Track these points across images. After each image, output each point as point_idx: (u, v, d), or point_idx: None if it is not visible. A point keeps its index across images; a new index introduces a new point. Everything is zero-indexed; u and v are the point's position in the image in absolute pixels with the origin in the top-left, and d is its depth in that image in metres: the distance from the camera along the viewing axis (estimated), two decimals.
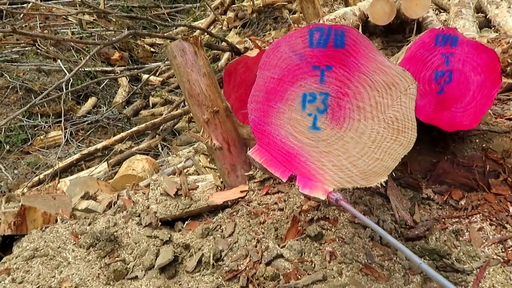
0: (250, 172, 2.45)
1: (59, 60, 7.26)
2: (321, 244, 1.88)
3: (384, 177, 1.35)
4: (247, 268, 1.79)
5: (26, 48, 7.53)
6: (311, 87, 1.33)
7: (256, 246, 1.91)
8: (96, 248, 2.08)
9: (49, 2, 9.68)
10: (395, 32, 5.28)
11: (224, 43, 6.64)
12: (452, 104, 1.84)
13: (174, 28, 9.66)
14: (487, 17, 4.70)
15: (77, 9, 8.35)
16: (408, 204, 2.06)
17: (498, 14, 4.37)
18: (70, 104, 6.51)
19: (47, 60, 7.37)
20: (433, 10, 5.68)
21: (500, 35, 2.98)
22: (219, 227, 2.12)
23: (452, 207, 2.03)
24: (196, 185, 2.40)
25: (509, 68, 2.53)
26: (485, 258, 1.71)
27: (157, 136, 5.64)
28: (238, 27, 8.37)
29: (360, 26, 4.71)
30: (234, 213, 2.21)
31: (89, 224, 2.27)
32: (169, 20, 10.12)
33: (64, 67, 6.94)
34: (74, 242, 2.13)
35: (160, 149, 5.26)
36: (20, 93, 6.30)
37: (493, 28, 4.45)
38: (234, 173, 2.44)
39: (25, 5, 8.89)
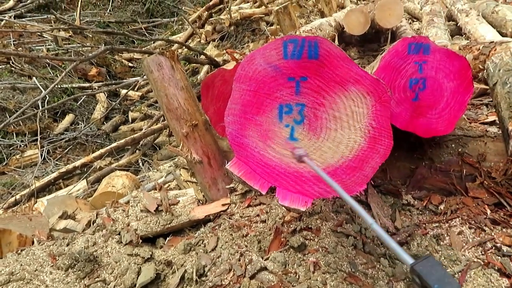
0: (232, 185, 2.43)
1: (34, 78, 7.13)
2: (304, 254, 1.87)
3: (363, 185, 1.36)
4: (231, 283, 1.77)
5: (0, 66, 7.37)
6: (287, 98, 1.34)
7: (239, 260, 1.88)
8: (75, 269, 2.01)
9: (23, 19, 9.53)
10: (371, 41, 5.40)
11: (202, 56, 6.65)
12: (427, 111, 1.88)
13: (152, 42, 9.64)
14: (458, 25, 4.84)
15: (52, 26, 8.25)
16: (389, 211, 2.08)
17: (468, 22, 4.52)
18: (46, 122, 6.38)
19: (22, 77, 7.23)
20: (406, 19, 5.83)
21: (471, 42, 3.07)
22: (201, 242, 2.09)
23: (432, 212, 2.05)
24: (177, 200, 2.37)
25: (480, 74, 2.60)
26: (466, 262, 1.72)
27: (137, 151, 5.57)
28: (216, 40, 8.41)
29: (336, 37, 4.79)
30: (217, 227, 2.19)
31: (67, 245, 2.20)
32: (146, 34, 10.11)
33: (40, 85, 6.82)
34: (52, 264, 2.06)
35: (140, 164, 5.20)
36: None
37: (464, 36, 4.59)
38: (215, 186, 2.42)
39: None
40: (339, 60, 1.28)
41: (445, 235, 1.90)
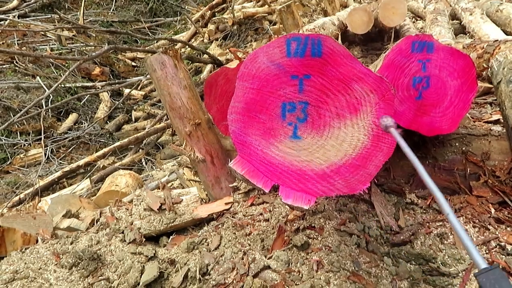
0: (235, 184, 2.43)
1: (38, 77, 7.16)
2: (307, 253, 1.87)
3: (367, 183, 1.35)
4: (234, 281, 1.77)
5: (4, 66, 7.41)
6: (290, 96, 1.33)
7: (242, 259, 1.89)
8: (78, 268, 2.02)
9: (27, 19, 9.57)
10: (374, 40, 5.38)
11: (205, 56, 6.66)
12: (431, 109, 1.87)
13: (155, 41, 9.65)
14: (462, 23, 4.82)
15: (55, 25, 8.27)
16: (392, 210, 2.07)
17: (472, 20, 4.49)
18: (50, 121, 6.41)
19: (26, 77, 7.26)
20: (410, 18, 5.81)
21: (475, 40, 3.05)
22: (204, 240, 2.10)
23: (436, 210, 2.04)
24: (180, 199, 2.37)
25: (484, 72, 2.59)
26: (470, 261, 1.72)
27: (140, 150, 5.58)
28: (219, 39, 8.41)
29: (340, 35, 4.77)
30: (220, 226, 2.19)
31: (71, 243, 2.21)
32: (150, 34, 10.12)
33: (44, 84, 6.85)
34: (56, 263, 2.07)
35: (144, 163, 5.20)
36: None
37: (468, 34, 4.57)
38: (218, 185, 2.42)
39: (2, 22, 8.76)
40: (343, 58, 1.28)
41: (449, 234, 1.90)
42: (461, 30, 4.83)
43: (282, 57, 1.29)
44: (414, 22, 5.80)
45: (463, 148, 2.08)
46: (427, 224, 1.98)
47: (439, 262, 1.74)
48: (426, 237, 1.90)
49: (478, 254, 0.81)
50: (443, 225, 1.97)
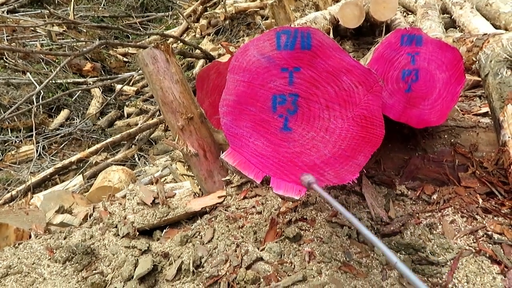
0: (227, 177, 2.45)
1: (28, 73, 7.09)
2: (300, 245, 1.89)
3: (356, 174, 1.38)
4: (227, 273, 1.79)
5: None
6: (280, 89, 1.35)
7: (235, 251, 1.91)
8: (72, 262, 2.03)
9: (16, 14, 9.46)
10: (365, 34, 5.41)
11: (197, 51, 6.64)
12: (420, 102, 1.89)
13: (147, 37, 9.59)
14: (452, 17, 4.86)
15: (45, 21, 8.19)
16: (383, 201, 2.11)
17: (462, 14, 4.54)
18: (41, 118, 6.36)
19: (16, 73, 7.19)
20: (401, 12, 5.84)
21: (465, 34, 3.09)
22: (198, 233, 2.11)
23: (425, 201, 2.08)
24: (173, 193, 2.38)
25: (474, 66, 2.62)
26: (458, 250, 1.76)
27: (133, 146, 5.58)
28: (211, 34, 8.39)
29: (331, 30, 4.80)
30: (213, 219, 2.21)
31: (64, 238, 2.22)
32: (141, 29, 10.06)
33: (34, 80, 6.79)
34: (49, 257, 2.08)
35: (136, 159, 5.20)
36: None
37: (458, 28, 4.61)
38: (211, 179, 2.43)
39: None
40: (332, 50, 1.30)
41: (438, 224, 1.93)
42: (451, 24, 4.88)
43: (272, 50, 1.31)
44: (405, 16, 5.83)
45: (452, 140, 2.11)
46: (417, 215, 2.01)
47: (428, 252, 1.78)
48: (416, 227, 1.93)
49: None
50: (432, 216, 2.00)
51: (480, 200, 1.95)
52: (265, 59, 1.31)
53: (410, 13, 6.04)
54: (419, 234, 1.89)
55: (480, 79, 2.78)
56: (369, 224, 1.97)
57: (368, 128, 1.35)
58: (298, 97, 1.36)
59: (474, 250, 1.74)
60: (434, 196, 2.08)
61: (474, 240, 1.79)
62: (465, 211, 1.93)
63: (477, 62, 2.32)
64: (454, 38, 3.04)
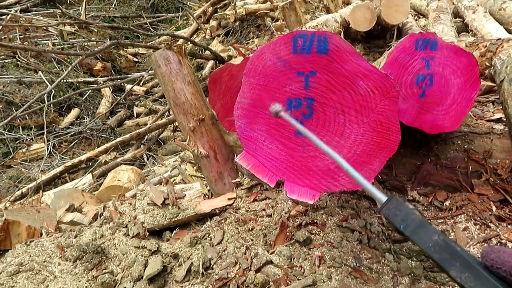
0: (238, 179, 2.44)
1: (40, 72, 7.16)
2: (310, 249, 1.88)
3: (371, 180, 1.37)
4: (237, 276, 1.79)
5: (6, 60, 7.41)
6: (296, 93, 1.35)
7: (245, 253, 1.90)
8: (83, 261, 2.04)
9: (29, 13, 9.56)
10: (376, 38, 5.39)
11: (207, 52, 6.66)
12: (434, 107, 1.88)
13: (157, 37, 9.64)
14: (465, 21, 4.82)
15: (57, 20, 8.26)
16: None
17: (475, 18, 4.50)
18: (52, 116, 6.42)
19: (28, 72, 7.27)
20: (412, 16, 5.81)
21: (478, 39, 3.06)
22: (207, 235, 2.11)
23: (437, 208, 2.06)
24: (183, 194, 2.39)
25: (487, 71, 2.60)
26: None
27: (142, 146, 5.60)
28: (221, 36, 8.41)
29: (342, 33, 4.78)
30: (222, 221, 2.21)
31: (75, 237, 2.23)
32: (151, 29, 10.11)
33: (46, 79, 6.85)
34: (60, 256, 2.09)
35: (145, 159, 5.23)
36: (1, 106, 6.19)
37: (470, 33, 4.57)
38: (221, 180, 2.43)
39: (4, 16, 8.75)
40: (348, 55, 1.29)
41: (450, 231, 1.91)
42: (463, 28, 4.84)
43: (288, 53, 1.31)
44: (416, 20, 5.80)
45: (465, 146, 2.09)
46: (429, 221, 2.00)
47: None
48: None
49: (377, 190, 0.91)
50: (444, 223, 1.98)
51: (494, 208, 1.93)
52: (281, 63, 1.31)
53: (421, 16, 6.01)
54: None
55: (493, 84, 2.75)
56: (380, 229, 1.96)
57: (384, 134, 1.34)
58: (313, 101, 1.35)
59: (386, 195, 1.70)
60: (447, 203, 2.06)
61: None
62: (478, 218, 1.91)
63: (492, 67, 2.30)
64: (466, 42, 3.01)
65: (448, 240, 0.75)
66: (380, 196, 0.88)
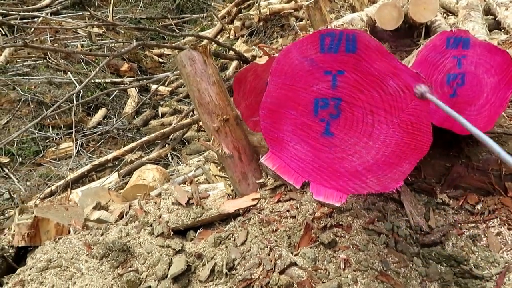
0: (261, 180, 2.43)
1: (69, 73, 7.35)
2: (335, 251, 1.85)
3: (400, 182, 1.33)
4: (260, 277, 1.77)
5: (37, 62, 7.64)
6: (323, 92, 1.32)
7: (269, 255, 1.89)
8: (109, 259, 2.07)
9: (59, 16, 9.85)
10: (404, 36, 5.26)
11: (231, 52, 6.68)
12: (465, 107, 1.82)
13: (182, 38, 9.73)
14: (497, 19, 4.66)
15: (86, 22, 8.47)
16: (422, 210, 2.03)
17: (508, 15, 4.33)
18: (80, 116, 6.57)
19: (58, 72, 7.46)
20: (441, 13, 5.65)
21: (511, 36, 2.94)
22: (231, 235, 2.11)
23: (468, 211, 1.99)
24: (207, 194, 2.39)
25: None
26: (505, 264, 1.67)
27: (166, 145, 5.66)
28: (245, 36, 8.41)
29: (368, 32, 4.70)
30: (246, 221, 2.20)
31: (101, 235, 2.27)
32: (176, 30, 10.22)
33: (74, 79, 7.02)
34: (87, 253, 2.13)
35: (170, 158, 5.27)
36: (32, 106, 6.38)
37: (503, 30, 4.41)
38: (245, 181, 2.43)
39: (35, 19, 9.04)
40: (378, 53, 1.26)
41: (482, 236, 1.85)
42: (495, 26, 4.67)
43: (315, 52, 1.28)
44: (445, 17, 5.64)
45: None
46: (459, 225, 1.93)
47: (472, 265, 1.70)
48: (458, 238, 1.85)
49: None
50: (476, 227, 1.91)
51: None
52: (308, 62, 1.29)
53: (450, 14, 5.84)
54: (461, 245, 1.81)
55: None
56: (408, 232, 1.90)
57: (414, 135, 1.30)
58: (341, 101, 1.33)
59: None
60: (478, 206, 1.99)
61: None
62: None
63: None
64: (499, 40, 2.91)
65: None
66: None
